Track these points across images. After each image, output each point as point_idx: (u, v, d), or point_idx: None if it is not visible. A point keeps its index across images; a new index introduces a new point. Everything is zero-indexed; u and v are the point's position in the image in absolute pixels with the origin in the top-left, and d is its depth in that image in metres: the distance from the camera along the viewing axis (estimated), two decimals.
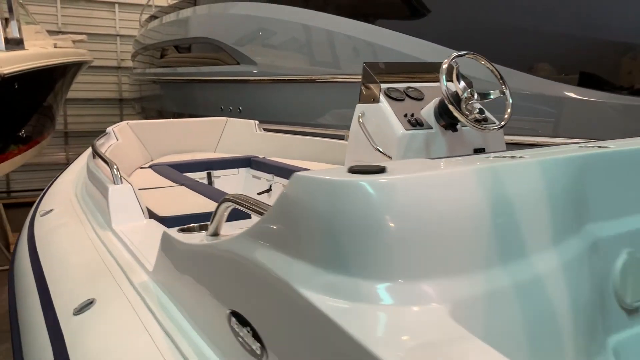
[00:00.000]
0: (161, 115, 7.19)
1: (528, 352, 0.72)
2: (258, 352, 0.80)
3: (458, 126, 2.09)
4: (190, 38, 6.19)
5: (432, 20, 4.06)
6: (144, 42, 8.07)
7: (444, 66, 1.94)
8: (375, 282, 0.69)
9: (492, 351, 0.58)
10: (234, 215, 1.19)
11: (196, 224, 1.34)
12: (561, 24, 3.41)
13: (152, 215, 1.97)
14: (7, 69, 4.12)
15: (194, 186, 2.55)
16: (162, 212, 2.01)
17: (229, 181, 3.32)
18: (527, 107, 3.30)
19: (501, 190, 0.79)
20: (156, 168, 3.12)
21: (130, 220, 1.86)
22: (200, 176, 3.23)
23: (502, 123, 2.00)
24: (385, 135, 2.08)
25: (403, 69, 2.41)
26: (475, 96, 1.95)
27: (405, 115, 2.10)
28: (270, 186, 3.14)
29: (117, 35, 10.25)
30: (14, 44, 4.60)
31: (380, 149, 2.07)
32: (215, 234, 1.12)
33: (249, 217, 1.69)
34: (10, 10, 4.65)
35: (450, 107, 1.92)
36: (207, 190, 2.43)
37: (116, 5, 10.17)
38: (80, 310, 1.27)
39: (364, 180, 0.73)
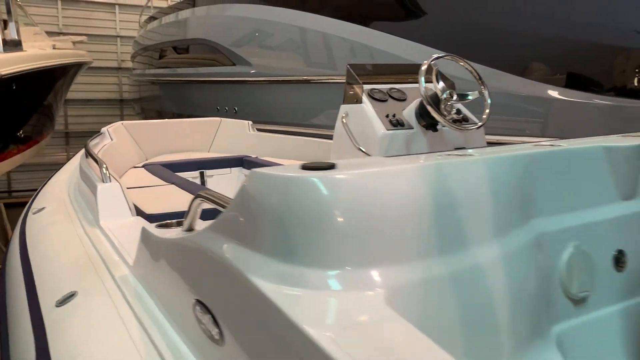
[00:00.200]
0: (160, 115, 7.26)
1: (463, 337, 0.77)
2: (217, 337, 0.86)
3: (438, 126, 2.14)
4: (187, 39, 6.25)
5: (426, 23, 4.11)
6: (143, 43, 8.14)
7: (423, 68, 1.99)
8: (319, 270, 0.74)
9: (417, 332, 0.63)
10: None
11: (174, 220, 1.39)
12: (549, 28, 3.46)
13: (139, 213, 2.03)
14: (5, 71, 4.19)
15: (184, 185, 2.60)
16: (149, 210, 2.07)
17: (222, 181, 3.38)
18: (516, 108, 3.35)
19: (444, 185, 0.84)
20: (149, 167, 3.17)
21: (117, 217, 1.92)
22: (193, 175, 3.28)
23: (480, 123, 2.05)
24: (367, 135, 2.13)
25: (388, 70, 2.46)
26: (455, 97, 2.00)
27: (387, 116, 2.15)
28: None
29: (118, 36, 10.34)
30: (12, 45, 4.67)
31: (363, 149, 2.13)
32: (190, 229, 1.17)
33: None
34: (9, 12, 4.72)
35: (429, 107, 1.97)
36: (197, 189, 2.49)
37: (116, 7, 10.25)
38: (62, 302, 1.33)
39: (313, 176, 0.79)
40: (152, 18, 7.99)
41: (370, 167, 0.83)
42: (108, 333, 1.12)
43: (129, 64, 9.84)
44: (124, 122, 3.78)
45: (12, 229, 6.40)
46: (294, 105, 4.61)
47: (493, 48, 3.57)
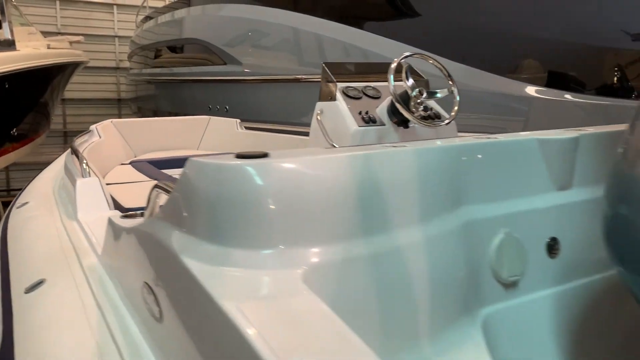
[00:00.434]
0: (156, 114, 7.32)
1: (381, 314, 0.83)
2: (157, 315, 0.91)
3: (410, 123, 2.19)
4: (180, 39, 6.32)
5: (417, 25, 4.15)
6: (139, 42, 8.22)
7: (392, 66, 2.05)
8: (244, 251, 0.80)
9: (322, 306, 0.69)
10: None
11: (139, 211, 1.45)
12: (533, 29, 3.51)
13: (118, 207, 2.09)
14: None
15: (167, 181, 2.66)
16: (128, 205, 2.13)
17: None
18: (499, 106, 3.40)
19: (370, 173, 0.90)
20: (136, 164, 3.24)
21: (95, 211, 1.97)
22: (178, 172, 3.33)
23: (447, 121, 2.10)
24: (340, 131, 2.19)
25: (365, 68, 2.52)
26: (424, 94, 2.06)
27: (360, 113, 2.20)
28: None
29: (116, 36, 10.41)
30: (6, 45, 4.74)
31: (336, 145, 2.18)
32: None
33: None
34: (2, 12, 4.79)
35: (397, 105, 2.03)
36: None
37: (114, 7, 10.32)
38: (30, 289, 1.39)
39: (244, 163, 0.84)
40: (147, 18, 8.06)
41: (301, 156, 0.89)
42: (68, 317, 1.18)
43: (127, 64, 9.92)
44: (113, 120, 3.84)
45: None
46: (284, 103, 4.67)
47: (477, 49, 3.62)
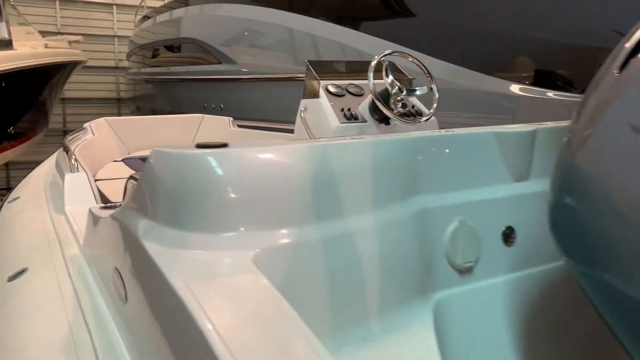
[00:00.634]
0: (155, 113, 7.38)
1: (329, 295, 0.87)
2: (123, 297, 0.97)
3: (391, 120, 2.24)
4: (177, 38, 6.38)
5: (412, 26, 4.19)
6: (137, 42, 8.28)
7: (372, 64, 2.10)
8: (200, 234, 0.85)
9: (266, 283, 0.74)
10: None
11: (118, 202, 1.50)
12: (522, 29, 3.56)
13: (105, 201, 2.14)
14: None
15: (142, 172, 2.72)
16: (115, 199, 2.18)
17: None
18: (485, 104, 3.44)
19: (325, 162, 0.95)
20: (127, 161, 3.29)
21: (82, 205, 2.03)
22: None
23: (424, 118, 2.15)
24: (323, 128, 2.24)
25: (349, 67, 2.57)
26: (404, 92, 2.10)
27: (342, 110, 2.25)
28: None
29: (115, 36, 10.48)
30: (3, 44, 4.81)
31: None
32: None
33: None
34: (0, 12, 4.86)
35: (377, 102, 2.07)
36: None
37: (114, 7, 10.40)
38: (13, 277, 1.44)
39: (203, 153, 0.89)
40: (145, 17, 8.13)
41: (259, 146, 0.94)
42: (46, 302, 1.24)
43: (126, 64, 9.99)
44: (107, 118, 3.90)
45: None
46: (277, 102, 4.72)
47: (466, 48, 3.67)
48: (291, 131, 4.00)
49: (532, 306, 1.16)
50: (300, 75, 4.60)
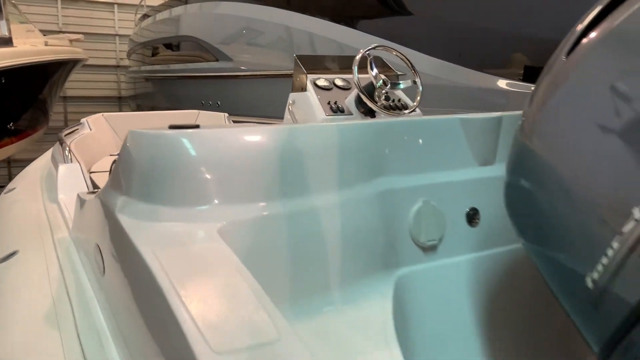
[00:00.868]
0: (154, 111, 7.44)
1: (292, 266, 0.93)
2: (102, 269, 1.03)
3: (376, 113, 2.29)
4: (175, 36, 6.45)
5: (409, 25, 4.23)
6: (137, 40, 8.36)
7: (357, 57, 2.16)
8: (170, 208, 0.91)
9: (228, 251, 0.80)
10: None
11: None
12: (512, 26, 3.61)
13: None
14: None
15: None
16: None
17: None
18: (474, 99, 3.49)
19: (292, 144, 1.01)
20: None
21: (75, 193, 2.09)
22: None
23: (408, 110, 2.21)
24: (310, 121, 2.30)
25: (337, 61, 2.63)
26: (388, 85, 2.16)
27: (329, 103, 2.31)
28: None
29: (116, 35, 10.55)
30: (3, 42, 4.88)
31: None
32: None
33: None
34: (0, 10, 4.93)
35: (361, 95, 2.13)
36: None
37: (115, 6, 10.47)
38: (4, 259, 1.50)
39: (175, 133, 0.96)
40: (145, 16, 8.20)
41: (229, 128, 1.00)
42: (33, 280, 1.30)
43: (127, 62, 10.06)
44: (104, 113, 3.96)
45: None
46: (272, 98, 4.78)
47: (457, 45, 3.72)
48: None
49: (494, 285, 1.22)
50: (290, 72, 4.67)
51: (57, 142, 2.90)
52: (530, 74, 3.44)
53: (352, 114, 2.30)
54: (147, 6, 8.69)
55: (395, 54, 2.25)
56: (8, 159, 7.09)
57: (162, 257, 0.77)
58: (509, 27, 3.61)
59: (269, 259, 0.91)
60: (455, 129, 1.25)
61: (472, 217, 1.23)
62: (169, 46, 6.98)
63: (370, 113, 2.29)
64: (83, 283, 1.17)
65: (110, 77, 10.68)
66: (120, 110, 10.60)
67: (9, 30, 5.04)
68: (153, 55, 7.50)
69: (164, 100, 7.24)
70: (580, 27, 0.96)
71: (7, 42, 4.93)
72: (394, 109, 2.23)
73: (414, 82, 2.23)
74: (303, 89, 2.39)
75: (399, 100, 2.38)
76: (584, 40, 0.93)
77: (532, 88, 1.04)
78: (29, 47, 5.42)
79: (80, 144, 3.02)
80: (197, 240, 0.84)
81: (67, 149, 2.28)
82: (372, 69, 2.15)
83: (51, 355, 0.91)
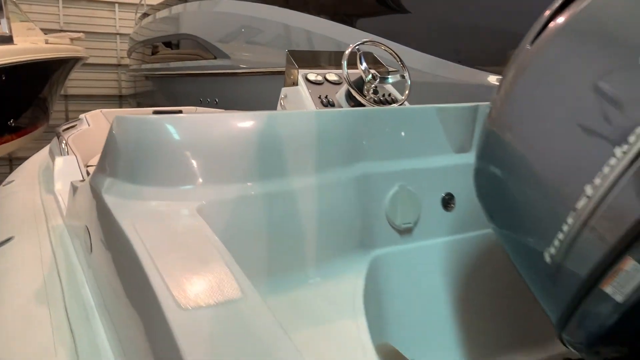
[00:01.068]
0: None
1: (269, 241, 0.98)
2: (90, 248, 1.08)
3: (365, 106, 2.34)
4: (173, 34, 6.51)
5: (407, 23, 4.27)
6: (137, 39, 8.42)
7: (346, 52, 2.21)
8: (153, 187, 0.96)
9: (203, 225, 0.85)
10: None
11: None
12: (506, 22, 3.65)
13: None
14: None
15: None
16: None
17: None
18: (465, 94, 3.54)
19: (271, 129, 1.06)
20: None
21: None
22: None
23: (396, 105, 2.25)
24: None
25: (329, 57, 2.68)
26: (377, 79, 2.21)
27: (320, 97, 2.36)
28: None
29: (117, 34, 10.61)
30: (4, 39, 4.94)
31: None
32: None
33: None
34: (1, 8, 4.99)
35: (350, 89, 2.18)
36: None
37: (116, 5, 10.53)
38: (0, 244, 1.56)
39: (159, 117, 1.01)
40: (145, 14, 8.27)
41: (210, 114, 1.05)
42: (26, 262, 1.35)
43: (128, 61, 10.12)
44: (102, 110, 4.02)
45: None
46: (269, 95, 4.82)
47: (448, 42, 3.77)
48: None
49: (467, 267, 1.27)
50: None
51: (55, 137, 2.96)
52: None
53: (342, 108, 2.35)
54: (147, 5, 8.76)
55: (383, 48, 2.30)
56: (9, 157, 7.16)
57: (141, 230, 0.82)
58: (506, 25, 3.66)
59: (246, 236, 0.96)
60: (432, 118, 1.30)
61: (448, 202, 1.28)
62: (168, 44, 7.04)
63: (360, 106, 2.34)
64: (73, 263, 1.22)
65: (111, 76, 10.74)
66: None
67: (10, 28, 5.11)
68: (153, 53, 7.57)
69: (163, 98, 7.30)
70: (546, 14, 1.00)
71: (7, 40, 4.99)
72: (383, 103, 2.28)
73: (403, 77, 2.28)
74: (295, 83, 2.44)
75: (389, 94, 2.43)
76: (547, 28, 0.98)
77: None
78: (29, 44, 5.48)
79: (78, 139, 3.07)
80: (176, 216, 0.89)
81: (64, 142, 2.33)
82: (361, 63, 2.19)
83: (40, 327, 0.96)
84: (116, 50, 10.67)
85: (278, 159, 1.05)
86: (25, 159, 6.99)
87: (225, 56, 5.19)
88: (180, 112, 1.04)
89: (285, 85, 2.51)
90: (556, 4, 1.00)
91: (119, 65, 10.68)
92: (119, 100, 10.76)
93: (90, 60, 8.48)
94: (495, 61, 3.63)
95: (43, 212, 1.81)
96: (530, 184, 0.93)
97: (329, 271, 1.04)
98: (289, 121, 1.09)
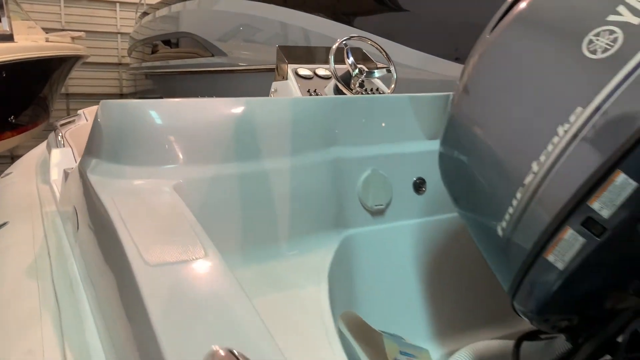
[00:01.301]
0: None
1: (243, 218, 1.05)
2: (77, 226, 1.14)
3: None
4: (172, 33, 6.59)
5: (404, 22, 4.32)
6: (137, 38, 8.51)
7: (334, 47, 2.27)
8: (134, 167, 1.03)
9: (178, 200, 0.91)
10: None
11: None
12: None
13: None
14: None
15: None
16: None
17: None
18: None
19: (247, 114, 1.12)
20: None
21: None
22: None
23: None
24: None
25: (320, 52, 2.75)
26: (364, 73, 2.28)
27: (309, 91, 2.43)
28: None
29: (118, 33, 10.70)
30: (4, 37, 5.03)
31: None
32: None
33: None
34: (1, 6, 5.08)
35: (337, 83, 2.25)
36: None
37: (117, 5, 10.62)
38: None
39: (141, 102, 1.07)
40: (145, 14, 8.35)
41: (189, 99, 1.11)
42: (19, 243, 1.42)
43: (129, 60, 10.21)
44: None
45: None
46: (265, 91, 4.89)
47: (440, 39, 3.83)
48: None
49: (436, 248, 1.33)
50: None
51: (53, 131, 3.03)
52: None
53: None
54: (147, 4, 8.84)
55: (370, 43, 2.36)
56: (11, 154, 7.24)
57: (119, 202, 0.88)
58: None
59: (221, 211, 1.02)
60: (405, 106, 1.36)
61: (419, 185, 1.35)
62: (167, 43, 7.12)
63: None
64: (63, 242, 1.29)
65: (112, 75, 10.82)
66: None
67: (10, 27, 5.19)
68: (153, 52, 7.65)
69: (163, 96, 7.38)
70: (506, 3, 1.07)
71: (8, 37, 5.07)
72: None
73: (389, 71, 2.34)
74: (284, 77, 2.50)
75: (377, 89, 2.49)
76: (505, 17, 1.04)
77: None
78: (29, 42, 5.57)
79: (75, 133, 3.14)
80: (153, 192, 0.95)
81: (61, 134, 2.40)
82: (348, 57, 2.26)
83: (28, 297, 1.02)
84: (117, 49, 10.75)
85: (254, 142, 1.11)
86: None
87: (222, 54, 5.27)
88: (160, 97, 1.10)
89: (275, 80, 2.58)
90: None
91: (120, 64, 10.76)
92: (120, 98, 10.83)
93: (91, 59, 8.57)
94: None
95: (38, 200, 1.88)
96: (486, 165, 0.99)
97: (301, 247, 1.10)
98: (266, 107, 1.16)
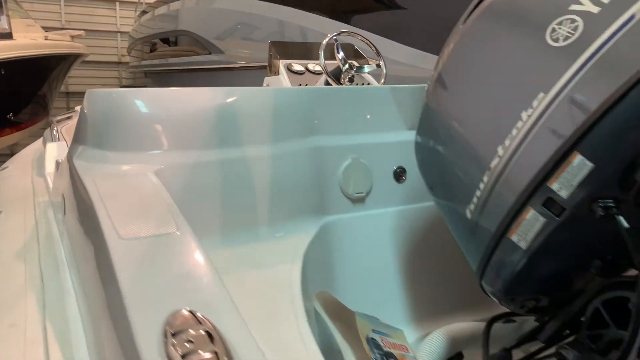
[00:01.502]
0: None
1: (223, 203, 1.08)
2: (64, 211, 1.18)
3: None
4: (170, 31, 6.63)
5: (403, 20, 4.34)
6: (136, 36, 8.55)
7: (324, 42, 2.30)
8: (116, 152, 1.06)
9: (157, 184, 0.95)
10: None
11: None
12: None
13: None
14: None
15: None
16: None
17: None
18: None
19: (229, 103, 1.16)
20: None
21: None
22: None
23: None
24: None
25: (312, 48, 2.78)
26: (354, 69, 2.31)
27: (300, 85, 2.46)
28: None
29: (118, 31, 10.74)
30: (3, 35, 5.07)
31: None
32: None
33: None
34: (1, 5, 5.13)
35: (327, 78, 2.28)
36: None
37: (117, 4, 10.66)
38: None
39: (125, 90, 1.11)
40: (143, 12, 8.40)
41: (172, 88, 1.15)
42: (11, 230, 1.45)
43: (128, 59, 10.25)
44: None
45: None
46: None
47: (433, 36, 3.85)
48: None
49: (415, 234, 1.36)
50: None
51: (49, 127, 3.07)
52: None
53: None
54: (146, 3, 8.88)
55: (360, 38, 2.40)
56: (11, 152, 7.29)
57: (100, 184, 0.92)
58: None
59: (202, 196, 1.06)
60: (386, 97, 1.40)
61: (400, 174, 1.38)
62: (166, 41, 7.16)
63: None
64: (53, 229, 1.32)
65: (112, 73, 10.86)
66: None
67: (9, 25, 5.23)
68: (151, 50, 7.69)
69: None
70: None
71: (7, 35, 5.12)
72: None
73: (378, 66, 2.38)
74: (276, 72, 2.54)
75: (368, 84, 2.53)
76: (477, 8, 1.08)
77: None
78: (28, 40, 5.61)
79: (71, 128, 3.18)
80: (134, 176, 0.99)
81: (56, 129, 2.44)
82: (338, 52, 2.29)
83: (14, 277, 1.06)
84: (117, 48, 10.79)
85: (236, 130, 1.15)
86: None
87: (219, 51, 5.31)
88: (144, 86, 1.14)
89: (268, 75, 2.61)
90: None
91: (120, 62, 10.80)
92: None
93: (91, 58, 8.61)
94: None
95: (32, 191, 1.92)
96: (457, 151, 1.02)
97: (280, 231, 1.13)
98: (248, 96, 1.19)
